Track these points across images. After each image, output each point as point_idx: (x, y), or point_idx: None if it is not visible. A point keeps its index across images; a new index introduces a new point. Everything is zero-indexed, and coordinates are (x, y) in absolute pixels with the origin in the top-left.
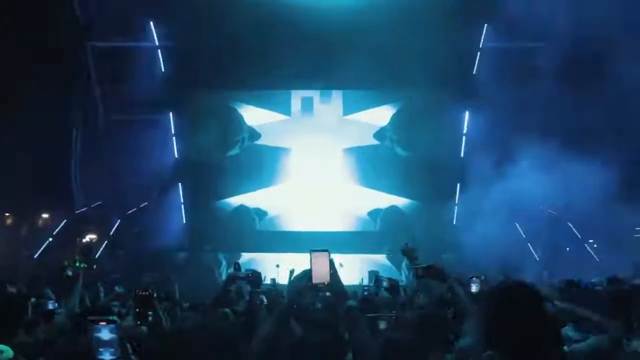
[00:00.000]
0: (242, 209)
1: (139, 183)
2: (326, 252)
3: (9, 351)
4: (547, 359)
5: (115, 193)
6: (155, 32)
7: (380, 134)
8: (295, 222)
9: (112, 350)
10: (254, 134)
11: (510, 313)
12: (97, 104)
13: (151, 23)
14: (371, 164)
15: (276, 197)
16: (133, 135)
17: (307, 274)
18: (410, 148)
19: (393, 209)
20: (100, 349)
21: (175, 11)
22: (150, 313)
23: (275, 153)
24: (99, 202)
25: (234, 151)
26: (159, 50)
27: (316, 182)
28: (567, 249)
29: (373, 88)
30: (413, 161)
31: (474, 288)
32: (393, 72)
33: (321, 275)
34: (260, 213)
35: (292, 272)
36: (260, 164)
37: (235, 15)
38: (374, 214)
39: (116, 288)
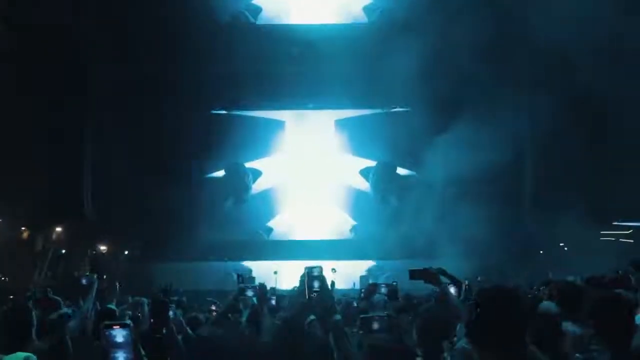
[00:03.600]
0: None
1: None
2: (319, 268)
3: (33, 358)
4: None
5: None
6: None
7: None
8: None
9: (125, 351)
10: None
11: (489, 312)
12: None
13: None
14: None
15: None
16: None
17: (303, 291)
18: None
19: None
20: (114, 350)
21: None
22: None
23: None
24: (109, 215)
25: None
26: None
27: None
28: (541, 252)
29: (359, 107)
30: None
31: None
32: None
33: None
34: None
35: (276, 272)
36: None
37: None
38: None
39: (129, 298)
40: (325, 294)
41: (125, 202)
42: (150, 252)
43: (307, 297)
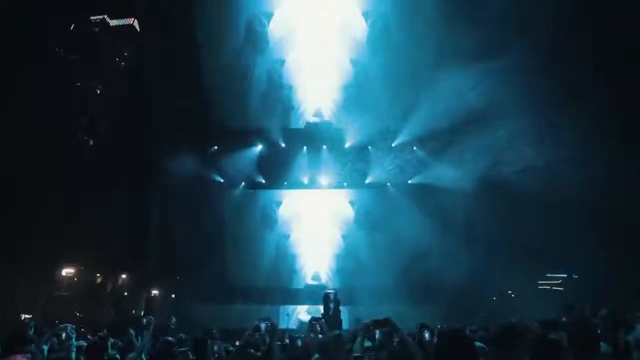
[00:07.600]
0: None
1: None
2: (335, 292)
3: None
4: None
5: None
6: None
7: None
8: None
9: None
10: None
11: (445, 352)
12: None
13: None
14: None
15: None
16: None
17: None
18: None
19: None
20: None
21: None
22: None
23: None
24: (162, 264)
25: None
26: None
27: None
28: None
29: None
30: None
31: (426, 337)
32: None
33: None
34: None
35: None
36: None
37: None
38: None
39: (182, 335)
40: (337, 315)
41: (174, 256)
42: (192, 295)
43: (325, 315)
